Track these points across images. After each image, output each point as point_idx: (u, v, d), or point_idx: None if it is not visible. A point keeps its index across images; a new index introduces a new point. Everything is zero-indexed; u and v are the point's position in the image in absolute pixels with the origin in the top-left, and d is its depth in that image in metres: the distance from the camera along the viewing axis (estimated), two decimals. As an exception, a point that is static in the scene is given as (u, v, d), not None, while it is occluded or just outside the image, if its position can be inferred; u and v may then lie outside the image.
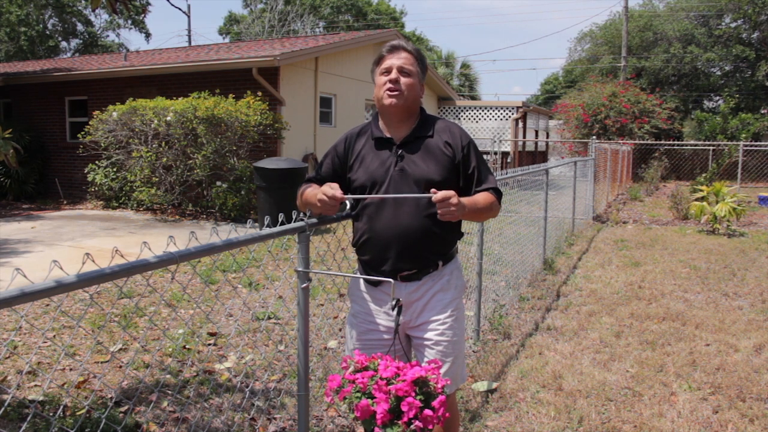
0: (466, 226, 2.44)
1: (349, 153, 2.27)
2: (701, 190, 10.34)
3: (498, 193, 2.27)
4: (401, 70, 2.18)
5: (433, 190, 2.01)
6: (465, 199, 2.09)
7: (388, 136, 2.23)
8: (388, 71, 2.19)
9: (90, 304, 5.12)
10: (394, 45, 2.24)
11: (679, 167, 20.16)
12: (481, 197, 2.20)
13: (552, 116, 25.87)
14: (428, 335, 2.22)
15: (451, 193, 1.98)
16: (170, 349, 4.16)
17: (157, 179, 10.49)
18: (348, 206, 2.17)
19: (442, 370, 2.19)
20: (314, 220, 2.30)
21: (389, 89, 2.17)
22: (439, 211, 1.99)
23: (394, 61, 2.19)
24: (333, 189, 2.07)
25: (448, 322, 2.23)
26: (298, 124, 11.84)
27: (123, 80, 12.75)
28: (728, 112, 23.50)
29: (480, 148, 2.60)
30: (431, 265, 2.22)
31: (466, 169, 2.22)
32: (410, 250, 2.17)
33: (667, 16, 30.75)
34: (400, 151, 2.19)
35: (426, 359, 2.22)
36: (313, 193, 2.19)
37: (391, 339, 2.22)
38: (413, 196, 2.12)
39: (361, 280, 2.31)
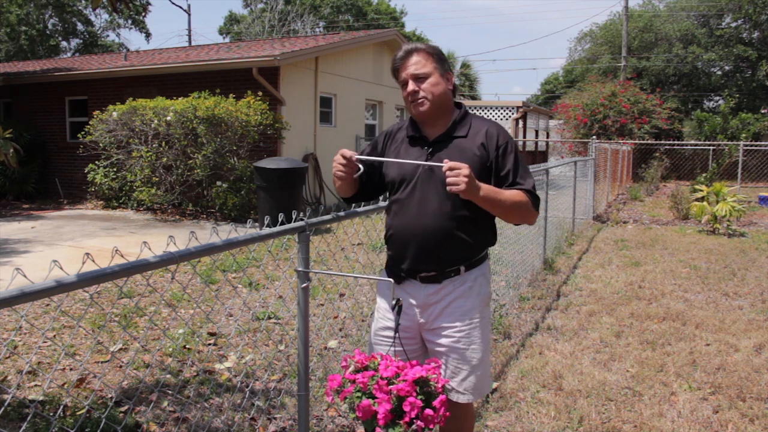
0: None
1: (385, 149, 2.29)
2: (701, 190, 10.34)
3: (533, 197, 2.14)
4: (416, 78, 2.16)
5: (445, 159, 1.97)
6: (484, 185, 2.02)
7: (422, 134, 2.23)
8: (405, 84, 2.18)
9: (90, 304, 5.12)
10: (402, 55, 2.20)
11: (680, 167, 20.15)
12: (509, 192, 2.10)
13: (552, 116, 25.88)
14: (442, 341, 2.18)
15: (463, 164, 1.93)
16: (170, 349, 4.16)
17: (157, 179, 10.49)
18: (361, 170, 2.17)
19: (457, 379, 2.17)
20: (314, 220, 2.30)
21: (412, 101, 2.17)
22: (447, 180, 1.93)
23: (407, 70, 2.18)
24: (344, 151, 2.13)
25: (465, 330, 2.17)
26: (298, 124, 11.84)
27: (123, 80, 12.74)
28: (728, 112, 23.48)
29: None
30: (452, 269, 2.17)
31: (499, 170, 2.15)
32: (428, 251, 2.14)
33: (667, 16, 30.76)
34: (429, 149, 2.18)
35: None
36: None
37: (407, 338, 2.21)
38: (423, 163, 2.11)
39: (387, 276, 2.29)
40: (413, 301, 2.21)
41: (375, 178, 2.29)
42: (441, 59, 2.20)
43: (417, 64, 2.17)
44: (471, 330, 2.18)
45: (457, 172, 1.91)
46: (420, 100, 2.16)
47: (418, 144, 2.21)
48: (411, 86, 2.16)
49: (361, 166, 2.16)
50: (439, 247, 2.13)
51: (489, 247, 2.29)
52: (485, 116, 19.97)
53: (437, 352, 2.20)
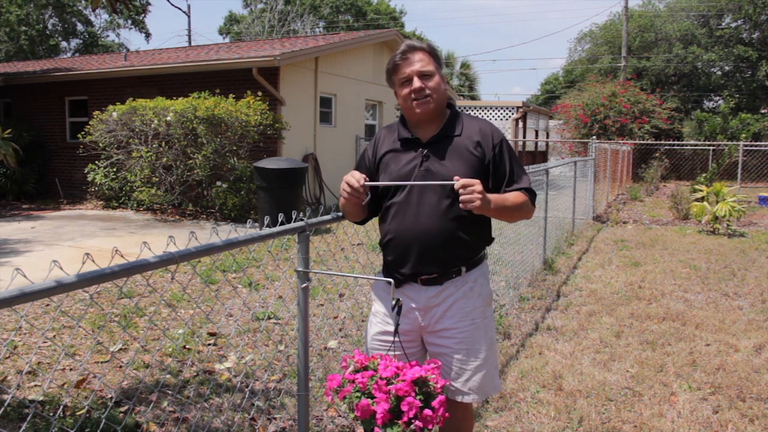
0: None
1: (377, 153, 2.23)
2: (701, 190, 10.34)
3: (531, 194, 2.18)
4: (421, 75, 2.10)
5: (456, 177, 1.94)
6: (492, 196, 2.02)
7: (415, 135, 2.17)
8: (408, 80, 2.12)
9: (90, 304, 5.12)
10: (405, 50, 2.14)
11: (679, 167, 20.15)
12: (511, 196, 2.12)
13: (552, 116, 25.89)
14: (445, 342, 2.16)
15: (475, 180, 1.91)
16: (170, 349, 4.16)
17: (157, 179, 10.49)
18: (369, 197, 2.08)
19: (461, 379, 2.16)
20: (314, 220, 2.30)
21: (416, 99, 2.10)
22: (460, 198, 1.90)
23: (411, 67, 2.11)
24: (354, 177, 2.04)
25: (468, 331, 2.15)
26: (298, 124, 11.84)
27: (123, 80, 12.74)
28: (728, 112, 23.50)
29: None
30: (453, 270, 2.15)
31: (497, 169, 2.14)
32: (431, 253, 2.11)
33: (667, 16, 30.78)
34: (425, 151, 2.14)
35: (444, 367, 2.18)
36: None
37: (408, 341, 2.19)
38: (436, 183, 2.05)
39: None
40: (414, 305, 2.17)
41: (377, 191, 2.20)
42: (439, 60, 2.18)
43: (422, 61, 2.11)
44: (474, 330, 2.16)
45: (470, 189, 1.88)
46: (426, 99, 2.10)
47: (412, 147, 2.16)
48: (417, 83, 2.09)
49: (368, 192, 2.07)
50: (442, 248, 2.11)
51: (487, 246, 2.28)
52: (485, 117, 19.97)
53: (440, 354, 2.18)
